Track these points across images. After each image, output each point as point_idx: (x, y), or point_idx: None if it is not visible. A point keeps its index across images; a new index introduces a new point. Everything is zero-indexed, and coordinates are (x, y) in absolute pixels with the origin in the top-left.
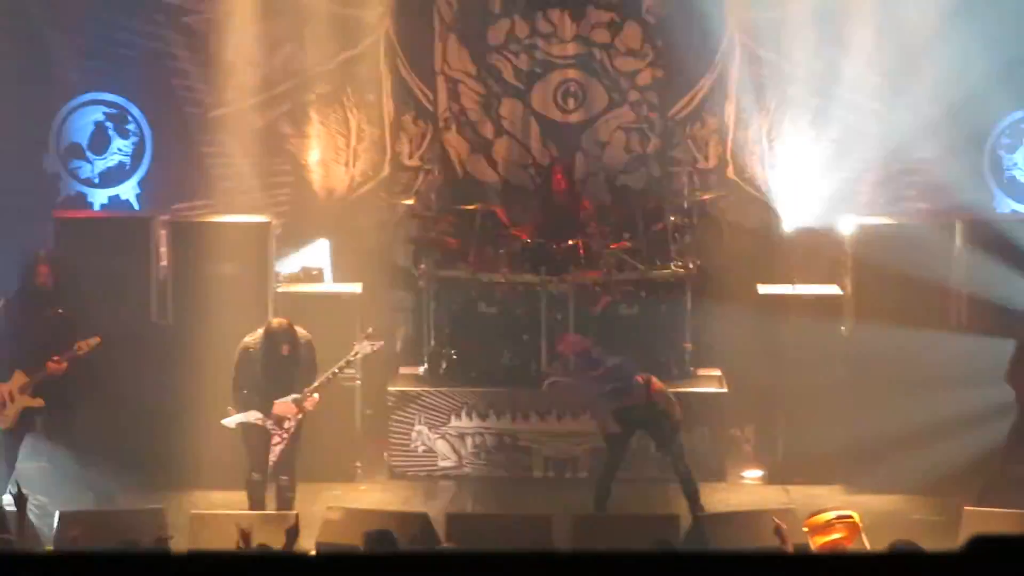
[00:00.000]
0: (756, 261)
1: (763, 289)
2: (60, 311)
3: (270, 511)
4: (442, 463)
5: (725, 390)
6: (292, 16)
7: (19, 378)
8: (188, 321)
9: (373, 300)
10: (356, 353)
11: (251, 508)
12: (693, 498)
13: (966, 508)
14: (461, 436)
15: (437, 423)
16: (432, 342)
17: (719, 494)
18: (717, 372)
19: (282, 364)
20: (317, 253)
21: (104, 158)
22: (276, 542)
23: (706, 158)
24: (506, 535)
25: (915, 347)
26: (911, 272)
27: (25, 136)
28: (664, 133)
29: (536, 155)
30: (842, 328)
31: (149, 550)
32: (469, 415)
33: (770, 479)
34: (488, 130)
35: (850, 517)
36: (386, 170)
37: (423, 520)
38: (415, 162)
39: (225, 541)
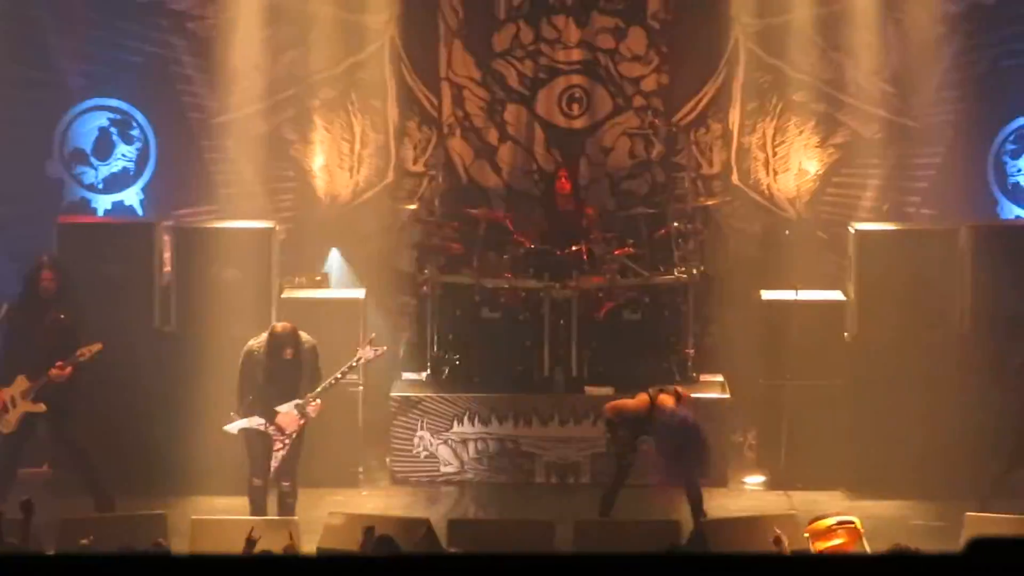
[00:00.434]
0: (759, 267)
1: (766, 295)
2: (63, 316)
3: (272, 516)
4: (444, 468)
5: (727, 396)
6: (297, 22)
7: (21, 383)
8: (191, 327)
9: (376, 305)
10: (359, 358)
11: (253, 514)
12: (696, 504)
13: (968, 514)
14: (463, 441)
15: (439, 428)
16: (435, 347)
17: (721, 499)
18: (720, 378)
19: (285, 368)
20: (323, 259)
21: (108, 164)
22: (277, 547)
23: (710, 164)
24: (508, 540)
25: (918, 353)
26: (915, 278)
27: (29, 141)
28: (668, 139)
29: (540, 161)
30: (845, 334)
31: (149, 551)
32: (471, 420)
33: (772, 484)
34: (492, 136)
35: (851, 522)
36: (390, 176)
37: (425, 525)
38: (419, 168)
39: (227, 546)
